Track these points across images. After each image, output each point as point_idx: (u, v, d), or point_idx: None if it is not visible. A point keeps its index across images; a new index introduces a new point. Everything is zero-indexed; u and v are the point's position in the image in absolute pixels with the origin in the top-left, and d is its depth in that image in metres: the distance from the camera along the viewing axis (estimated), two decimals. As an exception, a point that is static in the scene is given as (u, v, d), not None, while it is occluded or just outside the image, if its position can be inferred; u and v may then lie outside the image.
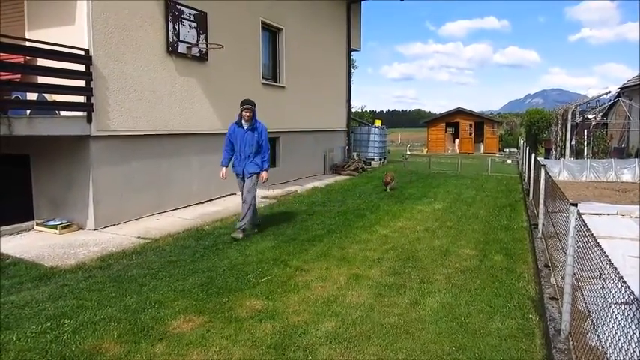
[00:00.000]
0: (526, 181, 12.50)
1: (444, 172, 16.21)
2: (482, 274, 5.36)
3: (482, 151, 31.74)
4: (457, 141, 33.05)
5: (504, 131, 37.07)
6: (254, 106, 6.84)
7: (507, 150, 30.84)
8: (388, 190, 10.97)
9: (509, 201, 10.33)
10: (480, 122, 33.00)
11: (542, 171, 6.76)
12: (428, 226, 7.69)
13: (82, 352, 3.44)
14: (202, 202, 9.31)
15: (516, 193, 11.65)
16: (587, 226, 3.31)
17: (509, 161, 22.40)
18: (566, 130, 20.26)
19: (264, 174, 6.96)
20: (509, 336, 3.85)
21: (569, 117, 20.08)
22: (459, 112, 33.47)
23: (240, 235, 6.60)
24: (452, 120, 33.50)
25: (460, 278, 5.21)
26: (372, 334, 3.83)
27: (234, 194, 10.25)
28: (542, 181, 6.70)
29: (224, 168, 7.04)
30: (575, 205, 3.53)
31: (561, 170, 15.52)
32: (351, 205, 9.47)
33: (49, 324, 3.88)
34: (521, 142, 23.46)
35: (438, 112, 44.82)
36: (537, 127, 29.72)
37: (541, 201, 6.72)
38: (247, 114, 6.72)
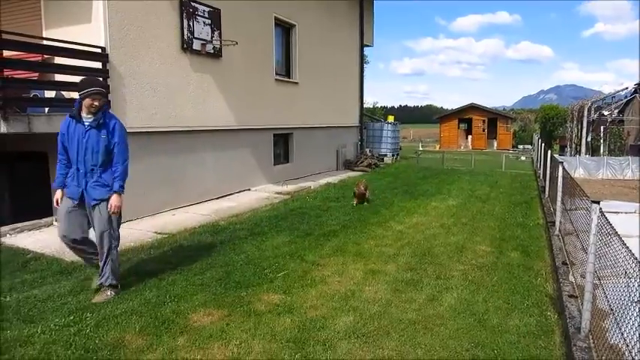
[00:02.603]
0: (541, 177, 12.40)
1: (457, 169, 16.13)
2: (499, 270, 5.34)
3: (495, 148, 31.51)
4: (470, 137, 32.85)
5: (518, 127, 36.74)
6: (105, 94, 4.61)
7: (521, 146, 30.57)
8: (365, 204, 8.96)
9: (524, 198, 10.26)
10: (494, 118, 32.75)
11: (560, 168, 6.70)
12: (443, 223, 7.67)
13: (106, 345, 3.50)
14: (217, 198, 9.37)
15: (531, 189, 11.56)
16: (610, 224, 3.28)
17: (523, 158, 22.22)
18: (581, 127, 20.04)
19: (114, 200, 4.39)
20: (528, 333, 3.84)
21: (585, 113, 19.86)
22: (472, 107, 33.26)
23: (108, 294, 4.39)
24: (465, 116, 33.30)
25: (477, 275, 5.19)
26: (391, 329, 3.84)
27: (249, 189, 10.32)
28: (560, 178, 6.65)
29: (58, 191, 4.47)
30: (598, 202, 3.51)
31: (577, 167, 15.38)
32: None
33: (71, 317, 3.95)
34: (535, 138, 23.24)
35: (449, 108, 44.59)
36: (552, 124, 29.45)
37: (558, 198, 6.67)
38: (96, 103, 4.30)
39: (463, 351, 3.54)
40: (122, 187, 4.50)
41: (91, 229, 4.49)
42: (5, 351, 3.41)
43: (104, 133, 4.38)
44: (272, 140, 11.44)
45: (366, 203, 8.99)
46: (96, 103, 4.30)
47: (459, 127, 33.47)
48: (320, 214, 8.16)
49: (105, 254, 4.40)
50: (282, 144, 12.23)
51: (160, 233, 6.75)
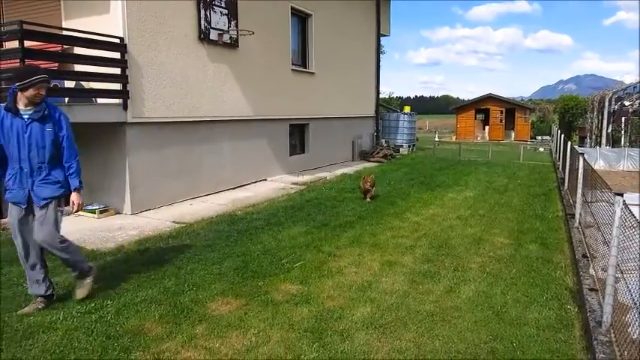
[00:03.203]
0: (560, 169, 12.22)
1: (474, 160, 15.97)
2: (518, 263, 5.29)
3: (513, 139, 31.12)
4: (487, 128, 32.46)
5: (536, 118, 36.18)
6: (49, 81, 3.95)
7: (540, 137, 30.12)
8: (368, 200, 8.44)
9: (542, 189, 10.12)
10: (511, 109, 32.30)
11: (581, 159, 6.59)
12: (460, 214, 7.61)
13: (126, 332, 3.56)
14: (233, 188, 9.42)
15: (550, 181, 11.40)
16: (634, 217, 3.22)
17: (541, 149, 21.91)
18: (602, 118, 19.66)
19: (75, 197, 4.09)
20: (547, 326, 3.80)
21: (606, 104, 19.47)
22: (490, 98, 32.84)
23: (88, 281, 4.18)
24: (482, 106, 32.89)
25: (495, 267, 5.15)
26: (408, 320, 3.84)
27: (265, 180, 10.36)
28: (581, 170, 6.54)
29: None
30: (621, 194, 3.44)
31: (597, 159, 15.11)
32: (381, 191, 9.42)
33: (92, 304, 4.02)
34: (554, 129, 22.88)
35: (466, 99, 44.06)
36: (571, 114, 28.93)
37: (578, 190, 6.57)
38: (42, 92, 3.79)
39: (481, 343, 3.52)
40: (81, 182, 4.12)
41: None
42: (29, 336, 3.48)
43: (49, 126, 3.88)
44: (288, 130, 11.44)
45: (369, 199, 8.42)
46: (42, 93, 3.78)
47: (475, 118, 33.07)
48: (336, 204, 8.16)
49: (66, 254, 4.03)
50: (298, 134, 12.23)
51: (177, 223, 6.81)
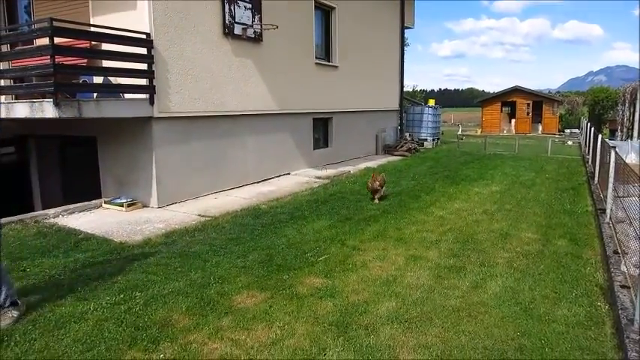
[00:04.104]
0: (590, 163, 11.91)
1: (500, 153, 15.69)
2: (546, 259, 5.19)
3: (540, 132, 30.46)
4: (513, 121, 31.82)
5: (565, 111, 35.31)
6: None
7: (568, 130, 29.40)
8: (376, 201, 7.84)
9: (571, 184, 9.88)
10: (539, 101, 31.58)
11: (612, 153, 6.41)
12: (486, 209, 7.50)
13: (154, 323, 3.63)
14: (257, 182, 9.48)
15: (579, 175, 11.13)
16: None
17: (570, 142, 21.40)
18: (634, 110, 19.07)
19: None
20: (577, 324, 3.72)
21: (638, 96, 18.86)
22: (516, 90, 32.16)
23: (13, 315, 3.69)
24: (508, 99, 32.24)
25: (522, 263, 5.06)
26: (434, 315, 3.81)
27: (288, 174, 10.39)
28: (612, 164, 6.36)
29: None
30: (656, 188, 3.33)
31: (629, 152, 14.65)
32: (405, 185, 9.36)
33: (122, 296, 4.10)
34: (583, 122, 22.31)
35: (491, 91, 43.30)
36: (602, 107, 28.14)
37: (610, 184, 6.39)
38: None
39: (509, 340, 3.47)
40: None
41: None
42: (61, 326, 3.58)
43: None
44: (311, 124, 11.44)
45: (377, 201, 7.84)
46: None
47: (501, 111, 32.44)
48: (360, 198, 8.13)
49: None
50: (321, 128, 12.21)
51: (203, 216, 6.89)
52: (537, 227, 6.48)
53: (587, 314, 3.88)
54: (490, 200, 8.17)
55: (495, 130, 31.25)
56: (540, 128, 31.01)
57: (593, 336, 3.54)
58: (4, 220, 6.39)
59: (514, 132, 30.23)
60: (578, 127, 27.70)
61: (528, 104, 31.44)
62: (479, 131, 31.06)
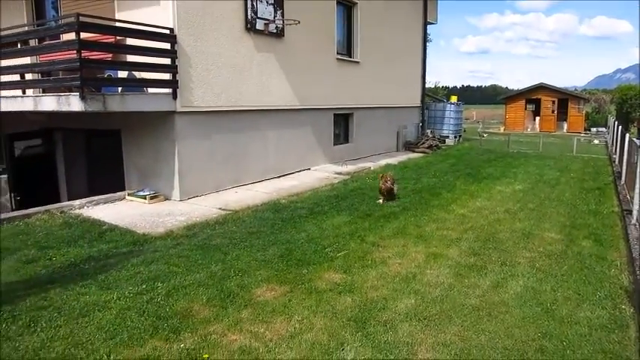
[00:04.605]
0: (616, 162, 11.64)
1: (523, 152, 15.45)
2: (569, 259, 5.10)
3: (565, 130, 29.85)
4: (538, 119, 31.25)
5: (591, 109, 34.52)
6: None
7: (594, 129, 28.75)
8: (386, 202, 7.48)
9: (597, 184, 9.68)
10: (564, 99, 30.92)
11: (641, 152, 6.25)
12: (508, 208, 7.39)
13: (175, 314, 3.69)
14: (278, 177, 9.53)
15: (605, 175, 10.89)
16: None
17: (596, 141, 20.93)
18: (664, 108, 18.51)
19: None
20: (600, 326, 3.65)
21: (669, 93, 18.31)
22: (541, 87, 31.54)
23: None
24: (533, 96, 31.65)
25: (545, 263, 4.98)
26: (453, 314, 3.78)
27: (309, 169, 10.41)
28: (640, 163, 6.21)
29: None
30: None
31: (657, 152, 14.25)
32: (426, 183, 9.29)
33: (144, 286, 4.18)
34: (610, 120, 21.78)
35: (515, 88, 42.58)
36: (630, 105, 27.43)
37: (637, 185, 6.24)
38: None
39: (529, 340, 3.42)
40: None
41: None
42: (85, 314, 3.67)
43: None
44: (332, 120, 11.43)
45: (381, 201, 7.53)
46: None
47: (525, 108, 31.88)
48: (380, 195, 8.09)
49: None
50: (342, 124, 12.20)
51: (224, 210, 6.96)
52: (561, 227, 6.37)
53: (610, 317, 3.81)
54: (513, 199, 8.06)
55: (519, 127, 30.74)
56: (565, 127, 30.39)
57: (616, 339, 3.47)
58: (31, 210, 6.57)
59: (538, 130, 29.69)
60: (605, 126, 27.07)
61: (553, 102, 30.83)
62: (502, 129, 30.61)
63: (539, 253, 5.28)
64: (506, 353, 3.26)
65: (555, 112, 30.83)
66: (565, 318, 3.76)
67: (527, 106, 32.01)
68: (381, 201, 7.56)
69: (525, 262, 4.98)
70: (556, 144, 18.48)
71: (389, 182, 7.61)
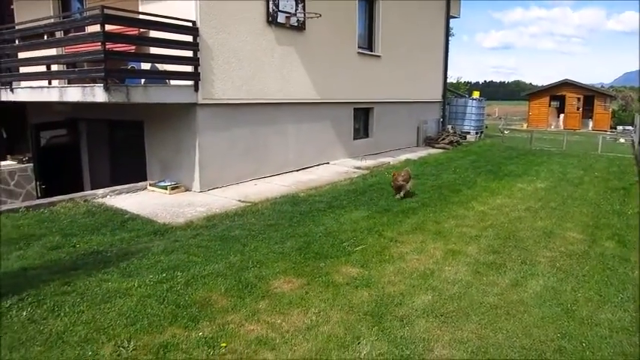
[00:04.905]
0: (643, 162, 11.36)
1: (546, 149, 15.18)
2: (592, 260, 5.01)
3: (590, 128, 29.25)
4: (562, 116, 30.67)
5: (618, 106, 33.73)
6: None
7: (621, 127, 28.07)
8: (401, 196, 7.38)
9: (622, 183, 9.47)
10: (590, 96, 30.27)
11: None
12: (529, 206, 7.29)
13: (194, 303, 3.74)
14: (297, 170, 9.55)
15: (631, 175, 10.64)
16: None
17: (622, 140, 20.46)
18: (694, 107, 17.98)
19: None
20: (622, 329, 3.59)
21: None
22: (566, 84, 30.92)
23: None
24: (557, 93, 31.06)
25: (566, 263, 4.91)
26: (470, 311, 3.76)
27: (328, 163, 10.42)
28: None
29: None
30: None
31: (686, 152, 13.88)
32: (446, 179, 9.21)
33: (164, 275, 4.25)
34: (637, 118, 21.23)
35: (539, 84, 41.80)
36: (658, 103, 26.68)
37: (664, 184, 6.09)
38: None
39: (548, 340, 3.39)
40: None
41: None
42: (107, 300, 3.75)
43: None
44: (352, 114, 11.40)
45: (401, 196, 7.39)
46: None
47: (550, 105, 31.32)
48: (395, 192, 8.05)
49: None
50: (362, 118, 12.15)
51: (243, 201, 7.02)
52: (583, 227, 6.26)
53: (632, 320, 3.74)
54: (534, 197, 7.94)
55: (542, 125, 30.22)
56: (591, 124, 29.77)
57: (637, 342, 3.41)
58: (56, 198, 6.72)
59: (562, 127, 29.15)
60: (632, 124, 26.41)
61: (579, 99, 30.21)
62: (524, 126, 30.15)
63: (560, 253, 5.20)
64: (524, 353, 3.23)
65: (580, 109, 30.22)
66: (585, 319, 3.71)
67: (552, 102, 31.44)
68: (398, 196, 7.43)
69: (546, 262, 4.92)
70: (580, 142, 18.12)
71: (400, 179, 7.43)
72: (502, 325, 3.56)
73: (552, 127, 29.90)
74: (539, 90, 33.44)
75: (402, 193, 7.45)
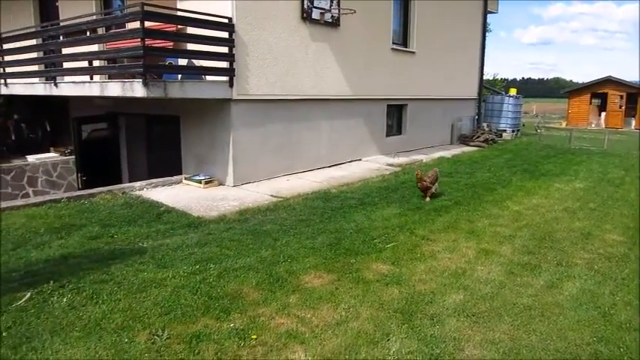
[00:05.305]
0: (690, 162, 10.86)
1: (586, 148, 14.71)
2: (632, 263, 4.84)
3: (633, 127, 28.16)
4: (603, 114, 29.62)
5: (664, 105, 32.26)
6: None
7: (666, 126, 26.89)
8: (427, 199, 7.11)
9: (667, 184, 9.08)
10: (633, 93, 29.11)
11: None
12: (567, 206, 7.09)
13: (226, 295, 3.82)
14: (329, 166, 9.57)
15: (677, 176, 10.19)
16: None
17: (668, 139, 19.59)
18: None
19: None
20: (662, 334, 3.46)
21: None
22: (609, 81, 29.82)
23: None
24: (599, 90, 30.01)
25: (604, 265, 4.76)
26: (503, 312, 3.70)
27: (360, 160, 10.40)
28: None
29: None
30: None
31: None
32: (480, 177, 9.05)
33: (197, 267, 4.35)
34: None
35: (580, 81, 40.43)
36: None
37: None
38: None
39: (583, 344, 3.30)
40: None
41: None
42: (143, 289, 3.86)
43: None
44: (385, 111, 11.32)
45: (428, 199, 7.12)
46: None
47: (591, 103, 30.33)
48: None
49: None
50: (395, 115, 12.06)
51: (275, 197, 7.09)
52: (624, 229, 6.04)
53: (675, 325, 3.60)
54: (572, 197, 7.72)
55: (582, 123, 29.28)
56: (634, 123, 28.65)
57: (680, 349, 3.28)
58: (96, 189, 6.95)
59: (604, 126, 28.16)
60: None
61: (621, 96, 29.09)
62: (563, 124, 29.27)
63: (598, 255, 5.04)
64: (558, 356, 3.16)
65: (623, 107, 29.11)
66: (623, 323, 3.59)
67: (593, 100, 30.42)
68: (428, 198, 7.13)
69: (583, 264, 4.78)
70: (622, 141, 17.48)
71: (426, 179, 7.17)
72: (536, 327, 3.49)
73: (593, 125, 28.92)
74: (579, 87, 32.37)
75: (428, 195, 7.17)
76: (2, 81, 9.98)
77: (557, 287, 4.20)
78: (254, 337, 3.23)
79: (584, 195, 7.92)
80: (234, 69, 7.40)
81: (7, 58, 9.71)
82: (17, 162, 9.54)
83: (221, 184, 7.81)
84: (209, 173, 7.93)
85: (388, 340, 3.26)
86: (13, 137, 11.01)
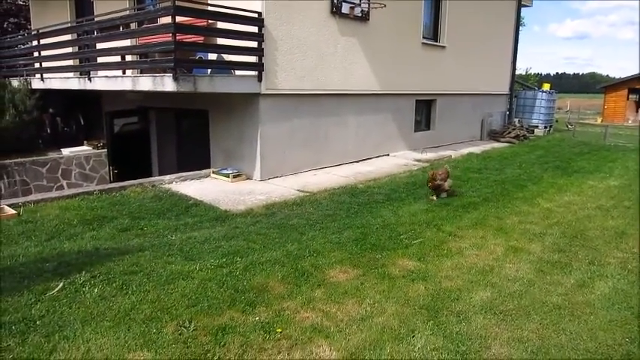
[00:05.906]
0: None
1: (622, 145, 14.24)
2: (669, 263, 4.68)
3: (673, 123, 27.04)
4: (641, 110, 28.58)
5: None
6: None
7: None
8: (441, 197, 6.82)
9: None
10: (674, 88, 27.98)
11: None
12: (600, 204, 6.89)
13: (252, 288, 3.86)
14: (356, 161, 9.55)
15: None
16: None
17: None
18: None
19: None
20: (699, 337, 3.34)
21: None
22: (648, 76, 28.73)
23: None
24: (636, 85, 28.98)
25: (638, 265, 4.61)
26: (532, 310, 3.63)
27: (387, 155, 10.33)
28: None
29: None
30: None
31: None
32: (510, 174, 8.88)
33: (224, 260, 4.41)
34: None
35: (617, 77, 39.09)
36: None
37: None
38: None
39: (615, 345, 3.21)
40: None
41: None
42: (171, 281, 3.94)
43: None
44: (414, 106, 11.20)
45: (444, 195, 6.85)
46: None
47: (627, 99, 29.31)
48: (459, 184, 7.85)
49: None
50: (424, 110, 11.92)
51: (301, 191, 7.12)
52: (661, 228, 5.84)
53: None
54: (606, 195, 7.49)
55: (619, 119, 28.34)
56: (674, 119, 27.55)
57: None
58: (127, 182, 7.11)
59: (642, 122, 27.17)
60: None
61: (661, 92, 28.00)
62: (599, 120, 28.38)
63: (632, 254, 4.89)
64: (589, 356, 3.09)
65: (663, 103, 28.03)
66: (658, 325, 3.48)
67: (630, 96, 29.40)
68: (433, 196, 6.83)
69: (616, 263, 4.64)
70: (661, 138, 16.83)
71: (438, 176, 6.83)
72: (565, 327, 3.42)
73: (630, 121, 27.95)
74: (616, 82, 31.33)
75: (442, 194, 6.86)
76: (39, 75, 10.32)
77: (588, 286, 4.10)
78: (279, 330, 3.26)
79: (619, 193, 7.68)
80: (262, 64, 7.44)
81: (44, 53, 10.01)
82: (52, 155, 9.84)
83: (248, 178, 7.89)
84: (237, 167, 8.01)
85: (413, 336, 3.24)
86: (48, 130, 11.36)
